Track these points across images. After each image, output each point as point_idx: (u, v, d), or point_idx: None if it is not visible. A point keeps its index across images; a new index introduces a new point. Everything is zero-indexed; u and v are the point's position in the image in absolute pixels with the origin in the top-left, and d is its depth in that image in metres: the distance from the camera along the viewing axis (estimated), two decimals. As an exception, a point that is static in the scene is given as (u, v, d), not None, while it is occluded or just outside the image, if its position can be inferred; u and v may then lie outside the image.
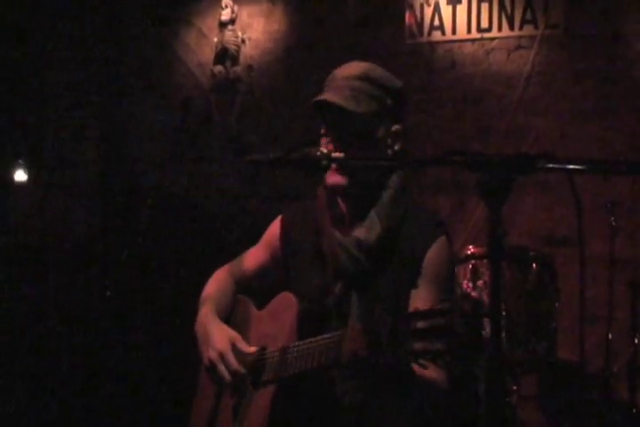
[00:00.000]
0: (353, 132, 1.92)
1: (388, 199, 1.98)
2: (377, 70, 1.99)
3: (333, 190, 2.00)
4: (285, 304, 2.01)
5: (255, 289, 2.29)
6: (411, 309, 1.84)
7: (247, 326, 2.16)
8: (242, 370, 1.99)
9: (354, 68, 1.99)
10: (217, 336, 2.07)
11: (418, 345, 1.51)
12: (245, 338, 2.10)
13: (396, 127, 1.99)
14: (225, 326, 2.12)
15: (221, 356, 2.02)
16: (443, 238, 1.97)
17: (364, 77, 1.95)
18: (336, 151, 1.81)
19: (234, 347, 2.04)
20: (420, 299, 1.87)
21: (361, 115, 1.90)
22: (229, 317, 2.24)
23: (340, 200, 2.04)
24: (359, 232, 1.95)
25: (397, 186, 2.00)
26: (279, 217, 2.23)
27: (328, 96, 1.92)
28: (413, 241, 1.94)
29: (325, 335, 1.79)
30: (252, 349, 2.03)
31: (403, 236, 1.96)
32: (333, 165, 1.92)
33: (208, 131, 5.25)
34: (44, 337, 4.72)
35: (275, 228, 2.22)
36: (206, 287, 2.30)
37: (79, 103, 5.38)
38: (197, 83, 5.31)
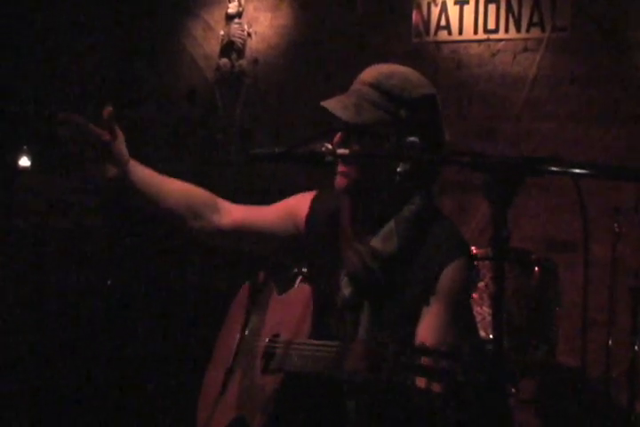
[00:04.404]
0: (356, 139, 1.87)
1: (409, 213, 1.91)
2: (394, 78, 1.90)
3: (341, 193, 1.97)
4: (302, 297, 1.99)
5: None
6: (419, 326, 1.83)
7: (266, 309, 2.15)
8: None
9: (373, 72, 1.93)
10: None
11: (417, 381, 1.48)
12: (262, 320, 2.10)
13: (411, 139, 1.86)
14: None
15: None
16: (462, 259, 1.90)
17: (375, 85, 1.89)
18: (363, 154, 1.80)
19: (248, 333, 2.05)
20: (430, 317, 1.83)
21: (360, 124, 1.85)
22: (255, 300, 2.21)
23: (363, 206, 2.00)
24: (375, 242, 1.91)
25: (421, 202, 1.93)
26: (312, 195, 2.15)
27: (329, 103, 1.88)
28: (432, 258, 1.89)
29: (328, 343, 1.77)
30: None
31: (422, 252, 1.90)
32: (340, 168, 1.91)
33: (212, 123, 5.24)
34: (42, 324, 4.72)
35: (304, 202, 2.14)
36: None
37: (84, 93, 5.37)
38: (202, 75, 5.31)
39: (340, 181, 1.93)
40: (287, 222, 2.13)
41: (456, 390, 1.44)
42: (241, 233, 2.13)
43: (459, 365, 1.45)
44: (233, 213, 2.12)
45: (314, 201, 2.13)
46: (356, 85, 1.93)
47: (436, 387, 1.49)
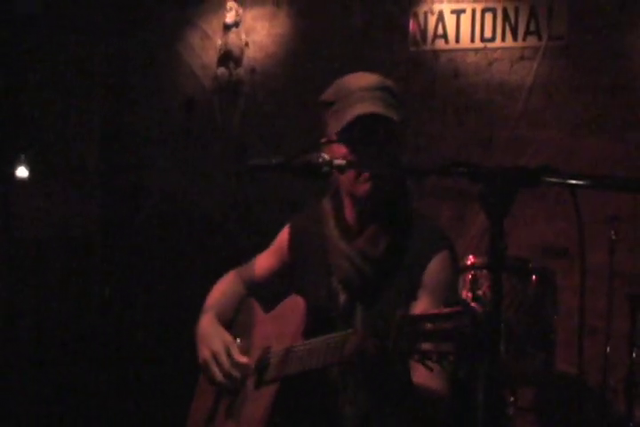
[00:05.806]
0: (384, 142, 1.91)
1: (399, 212, 1.98)
2: (387, 80, 1.98)
3: (366, 200, 1.98)
4: (293, 306, 2.01)
5: (264, 294, 2.30)
6: None
7: (252, 328, 2.17)
8: (235, 372, 2.02)
9: (369, 78, 1.96)
10: (214, 338, 2.11)
11: (425, 345, 1.51)
12: (249, 339, 2.12)
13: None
14: (223, 331, 2.15)
15: (214, 356, 2.06)
16: (445, 252, 1.96)
17: (384, 88, 1.94)
18: (359, 163, 1.81)
19: (228, 351, 2.07)
20: (420, 310, 1.83)
21: (397, 124, 1.91)
22: (235, 318, 2.26)
23: (347, 210, 2.03)
24: (365, 244, 1.95)
25: (405, 200, 2.00)
26: (288, 225, 2.23)
27: (369, 107, 1.89)
28: (416, 253, 1.94)
29: (329, 336, 1.79)
30: (244, 359, 2.05)
31: (407, 248, 1.95)
32: (365, 175, 1.92)
33: (210, 133, 5.24)
34: (41, 334, 4.72)
35: (284, 235, 2.23)
36: (212, 292, 2.32)
37: (82, 102, 5.38)
38: (200, 84, 5.31)
39: (366, 190, 1.93)
40: (281, 260, 2.24)
41: (466, 346, 1.46)
42: (255, 290, 2.31)
43: (462, 322, 1.47)
44: (255, 283, 2.31)
45: (291, 228, 2.21)
46: (360, 93, 1.93)
47: (446, 347, 1.51)
